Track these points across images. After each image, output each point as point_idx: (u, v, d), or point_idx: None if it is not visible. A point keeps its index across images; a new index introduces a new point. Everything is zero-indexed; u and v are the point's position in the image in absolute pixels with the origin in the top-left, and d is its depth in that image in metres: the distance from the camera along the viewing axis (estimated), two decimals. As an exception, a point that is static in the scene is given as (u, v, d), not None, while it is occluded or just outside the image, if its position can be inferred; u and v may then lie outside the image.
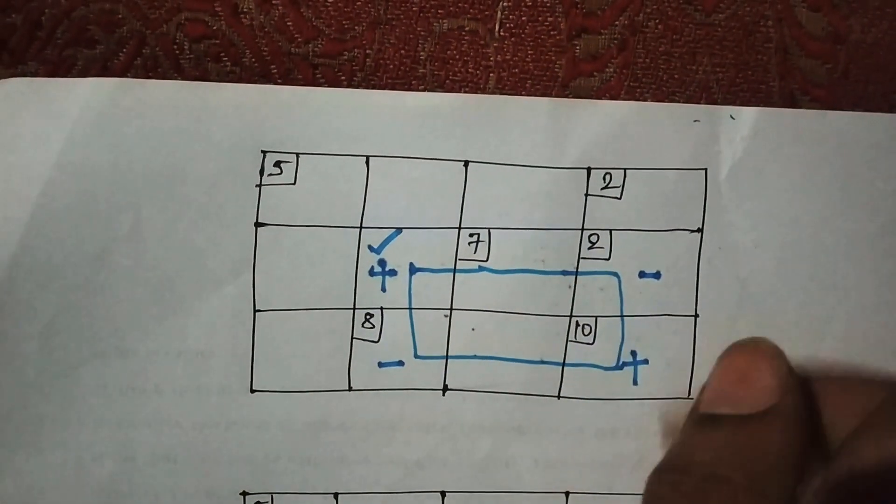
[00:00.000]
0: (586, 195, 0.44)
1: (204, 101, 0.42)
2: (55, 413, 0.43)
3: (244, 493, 0.44)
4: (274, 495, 0.44)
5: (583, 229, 0.44)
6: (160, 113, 0.42)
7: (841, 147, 0.44)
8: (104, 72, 0.43)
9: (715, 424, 0.34)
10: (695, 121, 0.44)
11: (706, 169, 0.44)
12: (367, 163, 0.43)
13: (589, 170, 0.44)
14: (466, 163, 0.43)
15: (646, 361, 0.44)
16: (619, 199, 0.44)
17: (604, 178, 0.44)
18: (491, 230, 0.44)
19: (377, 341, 0.44)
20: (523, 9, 0.44)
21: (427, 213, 0.43)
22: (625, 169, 0.44)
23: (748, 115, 0.44)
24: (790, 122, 0.44)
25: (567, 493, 0.45)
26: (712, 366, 0.43)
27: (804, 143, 0.44)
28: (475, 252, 0.44)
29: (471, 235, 0.44)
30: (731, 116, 0.44)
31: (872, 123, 0.44)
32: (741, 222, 0.44)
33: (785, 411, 0.34)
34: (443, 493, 0.45)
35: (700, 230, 0.44)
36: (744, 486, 0.32)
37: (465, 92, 0.44)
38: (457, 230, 0.43)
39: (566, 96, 0.44)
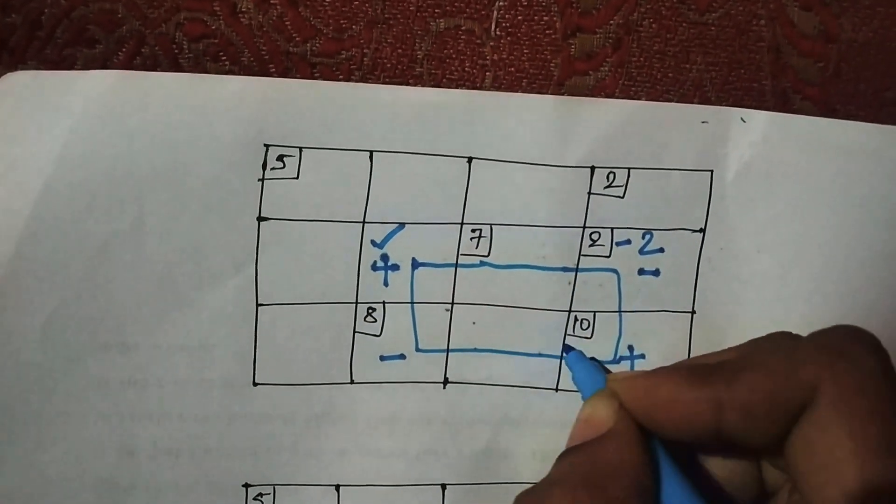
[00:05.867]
0: (589, 193, 0.44)
1: (206, 95, 0.42)
2: (57, 406, 0.43)
3: (246, 486, 0.44)
4: (276, 487, 0.44)
5: (584, 227, 0.44)
6: (162, 106, 0.42)
7: (854, 157, 0.45)
8: (104, 70, 0.43)
9: (565, 455, 0.38)
10: (703, 122, 0.44)
11: (712, 171, 0.44)
12: (371, 158, 0.43)
13: (592, 169, 0.44)
14: (470, 159, 0.43)
15: (642, 356, 0.45)
16: (622, 197, 0.44)
17: (607, 177, 0.44)
18: (493, 226, 0.44)
19: (379, 335, 0.44)
20: (519, 8, 0.44)
21: (430, 208, 0.44)
22: (629, 168, 0.44)
23: (759, 119, 0.44)
24: (802, 129, 0.44)
25: None
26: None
27: (816, 150, 0.44)
28: (477, 247, 0.44)
29: (473, 231, 0.44)
30: (742, 119, 0.44)
31: (888, 134, 0.45)
32: (746, 226, 0.45)
33: (618, 433, 0.38)
34: (443, 486, 0.45)
35: (703, 230, 0.45)
36: (580, 483, 0.36)
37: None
38: (459, 226, 0.44)
39: (561, 94, 0.44)
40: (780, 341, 0.38)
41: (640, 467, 0.37)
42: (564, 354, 0.45)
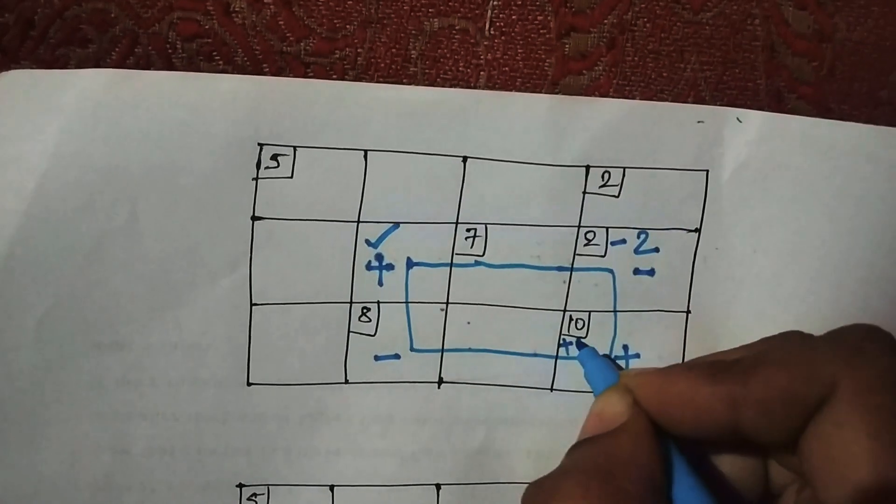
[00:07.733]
0: (584, 193, 0.44)
1: (200, 93, 0.42)
2: (50, 406, 0.43)
3: (240, 486, 0.44)
4: (270, 487, 0.44)
5: (579, 226, 0.44)
6: (156, 105, 0.42)
7: (849, 158, 0.44)
8: (97, 70, 0.43)
9: (576, 447, 0.38)
10: (699, 122, 0.44)
11: (708, 170, 0.44)
12: (365, 157, 0.43)
13: (587, 168, 0.44)
14: (465, 158, 0.43)
15: (637, 355, 0.45)
16: (617, 197, 0.44)
17: (602, 177, 0.44)
18: (488, 225, 0.44)
19: (374, 335, 0.44)
20: (513, 7, 0.44)
21: (425, 207, 0.44)
22: (624, 168, 0.44)
23: (755, 119, 0.44)
24: (798, 129, 0.44)
25: None
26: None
27: (811, 151, 0.44)
28: (472, 247, 0.44)
29: (468, 230, 0.44)
30: (738, 119, 0.44)
31: (884, 136, 0.44)
32: (741, 226, 0.45)
33: (632, 428, 0.38)
34: (438, 486, 0.45)
35: (698, 230, 0.45)
36: (592, 473, 0.36)
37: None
38: (454, 225, 0.44)
39: (555, 94, 0.44)
40: (795, 339, 0.39)
41: (652, 462, 0.37)
42: (577, 351, 0.45)
